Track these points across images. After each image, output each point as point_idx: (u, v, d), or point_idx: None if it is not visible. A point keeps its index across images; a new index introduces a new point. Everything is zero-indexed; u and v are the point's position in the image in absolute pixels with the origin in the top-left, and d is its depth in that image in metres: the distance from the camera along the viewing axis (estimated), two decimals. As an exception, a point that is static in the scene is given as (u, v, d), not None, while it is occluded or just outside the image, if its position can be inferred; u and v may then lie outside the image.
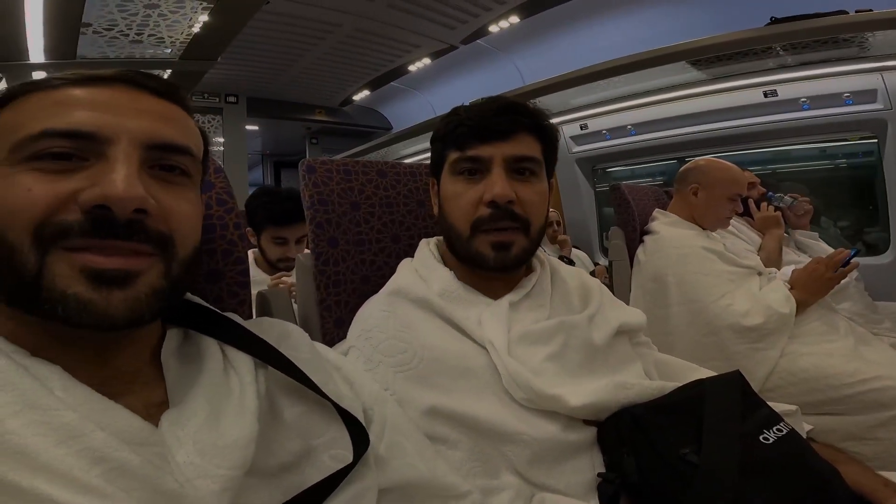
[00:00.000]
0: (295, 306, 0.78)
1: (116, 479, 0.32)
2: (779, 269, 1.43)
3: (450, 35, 4.04)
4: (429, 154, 0.77)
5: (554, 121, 0.73)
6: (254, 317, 0.66)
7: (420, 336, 0.63)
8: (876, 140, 2.26)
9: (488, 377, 0.61)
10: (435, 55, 4.45)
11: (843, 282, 1.32)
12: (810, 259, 1.36)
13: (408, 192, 0.88)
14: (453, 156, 0.70)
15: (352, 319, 0.70)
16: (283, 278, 1.31)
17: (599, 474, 0.59)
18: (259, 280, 1.34)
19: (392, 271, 0.75)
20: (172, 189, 0.41)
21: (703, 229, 1.40)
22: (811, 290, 1.24)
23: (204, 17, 2.91)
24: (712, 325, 1.20)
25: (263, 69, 4.68)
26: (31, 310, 0.36)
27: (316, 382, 0.47)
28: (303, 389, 0.47)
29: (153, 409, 0.39)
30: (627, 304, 0.98)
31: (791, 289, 1.25)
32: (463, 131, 0.68)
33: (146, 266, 0.38)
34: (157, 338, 0.44)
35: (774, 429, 0.59)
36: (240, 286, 0.62)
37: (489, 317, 0.66)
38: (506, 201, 0.66)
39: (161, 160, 0.40)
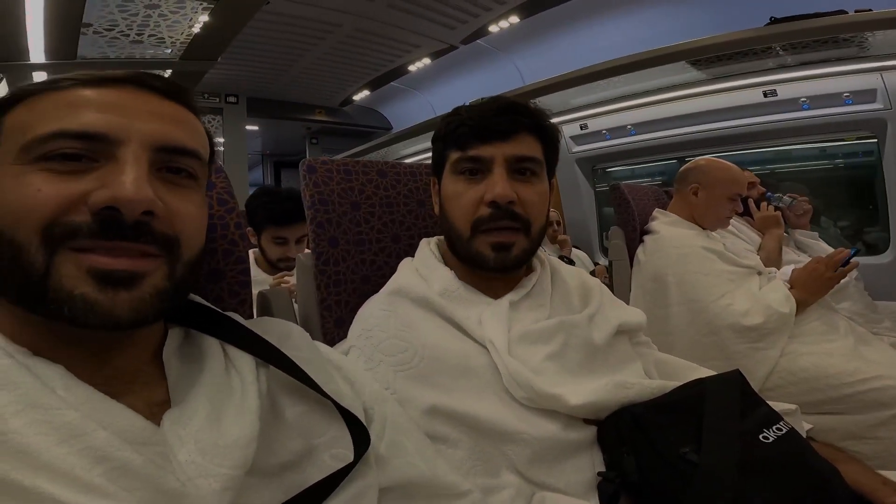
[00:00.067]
0: (295, 306, 0.78)
1: (118, 478, 0.32)
2: (779, 269, 1.43)
3: (450, 35, 4.04)
4: (429, 154, 0.77)
5: (554, 121, 0.73)
6: (254, 316, 0.66)
7: (421, 335, 0.63)
8: (876, 140, 2.26)
9: (489, 376, 0.61)
10: (435, 55, 4.46)
11: (842, 281, 1.32)
12: (810, 259, 1.36)
13: (408, 191, 0.88)
14: (454, 155, 0.70)
15: (352, 319, 0.71)
16: (286, 278, 1.31)
17: (599, 473, 0.59)
18: (259, 280, 1.35)
19: (392, 271, 0.75)
20: (179, 191, 0.41)
21: (703, 229, 1.40)
22: (811, 289, 1.24)
23: (204, 18, 2.91)
24: (712, 325, 1.20)
25: (263, 69, 4.68)
26: (36, 309, 0.36)
27: (317, 382, 0.47)
28: (304, 389, 0.47)
29: (155, 409, 0.39)
30: (627, 303, 0.98)
31: (791, 288, 1.25)
32: (464, 131, 0.68)
33: (152, 267, 0.38)
34: (159, 337, 0.44)
35: (774, 428, 0.59)
36: (241, 286, 0.62)
37: (489, 316, 0.66)
38: (507, 201, 0.66)
39: (169, 162, 0.41)
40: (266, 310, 0.71)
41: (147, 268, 0.38)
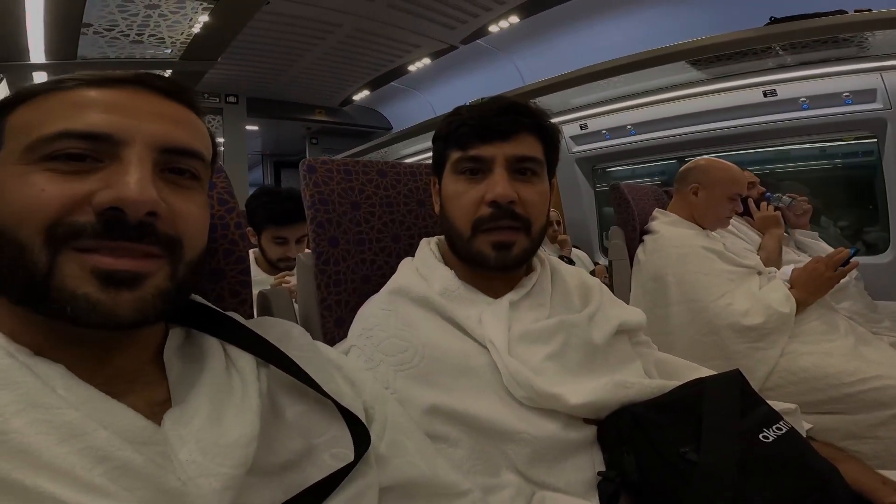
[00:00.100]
0: (296, 306, 0.79)
1: (119, 477, 0.32)
2: (778, 269, 1.43)
3: (450, 35, 4.05)
4: (429, 154, 0.77)
5: (554, 121, 0.73)
6: (255, 316, 0.66)
7: (421, 335, 0.63)
8: (875, 140, 2.26)
9: (489, 376, 0.62)
10: (435, 55, 4.46)
11: (842, 281, 1.32)
12: (810, 258, 1.36)
13: (408, 191, 0.88)
14: (455, 155, 0.70)
15: (352, 319, 0.71)
16: (287, 278, 1.31)
17: (599, 473, 0.59)
18: (259, 280, 1.35)
19: (392, 271, 0.75)
20: (182, 192, 0.41)
21: (703, 229, 1.40)
22: (811, 289, 1.24)
23: (204, 18, 2.91)
24: (712, 325, 1.20)
25: (263, 69, 4.68)
26: (39, 309, 0.36)
27: (317, 381, 0.47)
28: (304, 388, 0.47)
29: (156, 408, 0.39)
30: (627, 303, 0.98)
31: (791, 288, 1.25)
32: (465, 131, 0.68)
33: (155, 268, 0.38)
34: (160, 337, 0.45)
35: (774, 427, 0.59)
36: (241, 285, 0.62)
37: (490, 316, 0.66)
38: (507, 201, 0.66)
39: (173, 164, 0.41)
40: (266, 310, 0.71)
41: (150, 268, 0.38)
